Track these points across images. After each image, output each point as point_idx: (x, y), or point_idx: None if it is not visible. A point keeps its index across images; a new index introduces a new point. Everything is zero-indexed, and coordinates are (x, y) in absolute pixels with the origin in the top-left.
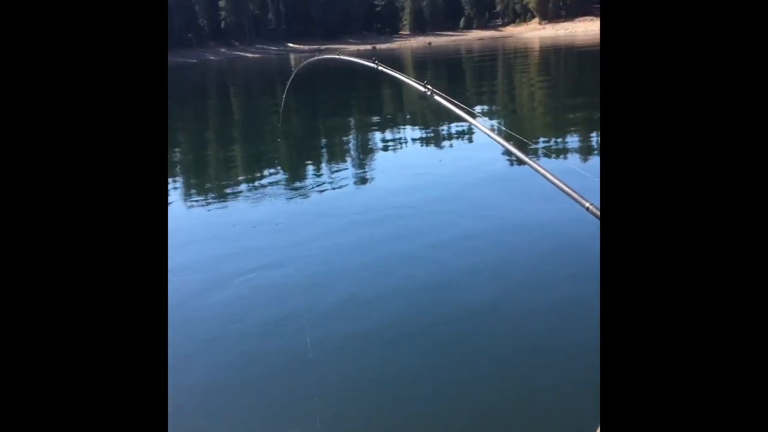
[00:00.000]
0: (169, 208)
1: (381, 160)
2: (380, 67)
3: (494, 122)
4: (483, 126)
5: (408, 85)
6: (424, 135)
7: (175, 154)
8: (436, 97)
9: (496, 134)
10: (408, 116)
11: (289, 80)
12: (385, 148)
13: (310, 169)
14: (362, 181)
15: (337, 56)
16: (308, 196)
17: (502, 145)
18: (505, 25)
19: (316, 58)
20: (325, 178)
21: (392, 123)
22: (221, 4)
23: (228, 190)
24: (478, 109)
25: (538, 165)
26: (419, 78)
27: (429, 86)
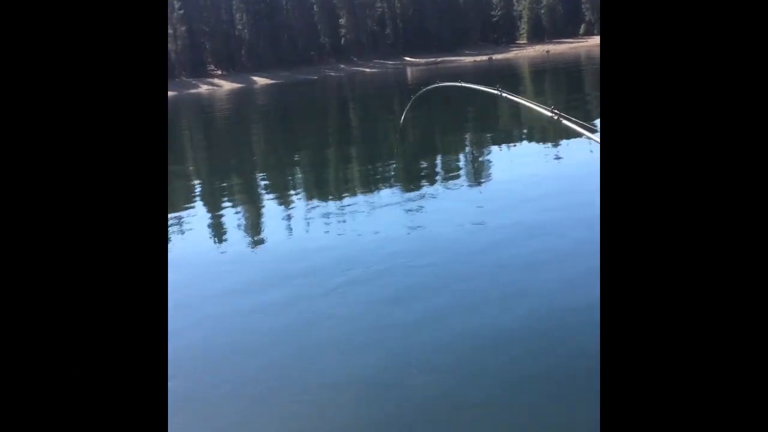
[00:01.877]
0: (282, 218)
1: (502, 172)
2: (504, 94)
3: None
4: None
5: (532, 109)
6: (542, 149)
7: (296, 166)
8: (564, 122)
9: None
10: (525, 131)
11: (406, 108)
12: (502, 161)
13: (423, 182)
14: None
15: (459, 84)
16: (421, 210)
17: None
18: None
19: (433, 86)
20: (439, 190)
21: (508, 138)
22: (341, 21)
23: (346, 201)
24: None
25: None
26: (545, 102)
27: (556, 110)
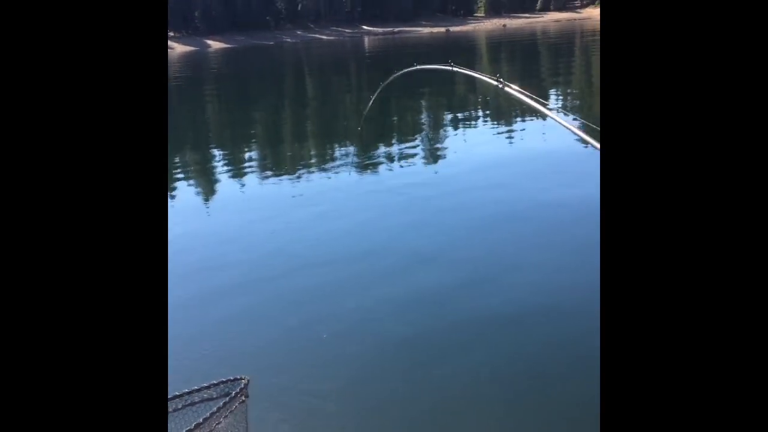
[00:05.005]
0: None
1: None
2: (455, 68)
3: (569, 115)
4: (557, 116)
5: (481, 80)
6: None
7: (253, 130)
8: (508, 89)
9: (571, 124)
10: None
11: (377, 92)
12: (456, 129)
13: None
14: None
15: (415, 67)
16: (376, 172)
17: (577, 135)
18: (583, 6)
19: (398, 74)
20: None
21: (464, 107)
22: None
23: (300, 167)
24: (552, 92)
25: None
26: (492, 72)
27: (501, 79)
